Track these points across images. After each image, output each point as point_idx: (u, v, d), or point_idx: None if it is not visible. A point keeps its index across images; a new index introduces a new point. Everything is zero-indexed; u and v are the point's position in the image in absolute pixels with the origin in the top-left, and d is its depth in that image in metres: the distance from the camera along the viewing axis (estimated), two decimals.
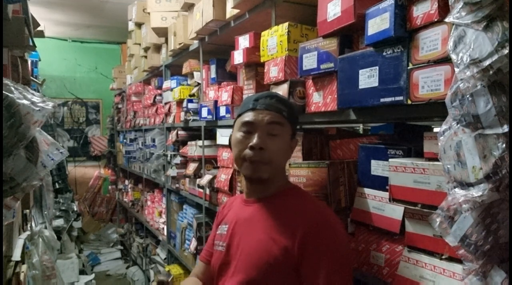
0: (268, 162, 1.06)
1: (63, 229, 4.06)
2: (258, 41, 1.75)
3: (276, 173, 1.10)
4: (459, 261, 0.90)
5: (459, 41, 0.76)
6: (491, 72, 0.70)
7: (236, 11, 1.92)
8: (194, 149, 2.67)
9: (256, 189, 1.14)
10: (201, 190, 2.54)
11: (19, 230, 1.84)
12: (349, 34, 1.29)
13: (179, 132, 3.04)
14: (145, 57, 3.90)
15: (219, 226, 1.22)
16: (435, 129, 1.27)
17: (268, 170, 1.07)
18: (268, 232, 1.04)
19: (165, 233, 3.52)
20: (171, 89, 3.11)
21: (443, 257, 0.98)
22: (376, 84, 1.09)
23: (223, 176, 2.14)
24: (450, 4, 0.80)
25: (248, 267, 1.03)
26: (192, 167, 2.70)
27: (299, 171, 1.38)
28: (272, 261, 0.99)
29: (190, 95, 2.80)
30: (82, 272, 4.25)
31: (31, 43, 1.89)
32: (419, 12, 0.97)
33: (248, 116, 1.09)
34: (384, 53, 1.06)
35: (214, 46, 2.51)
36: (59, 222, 4.05)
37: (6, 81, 1.17)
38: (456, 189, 0.79)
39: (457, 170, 0.78)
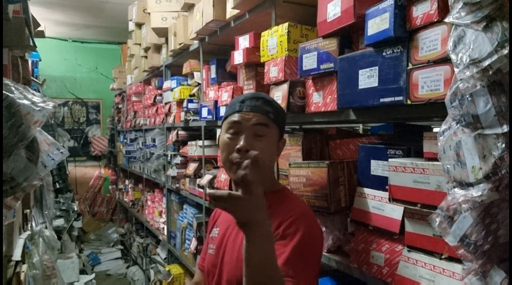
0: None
1: (64, 229, 4.07)
2: (258, 41, 1.75)
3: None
4: (458, 261, 0.90)
5: (458, 41, 0.76)
6: (490, 72, 0.70)
7: (236, 11, 1.93)
8: (194, 149, 2.67)
9: None
10: (201, 190, 2.54)
11: (20, 230, 1.84)
12: (349, 34, 1.29)
13: (179, 132, 3.04)
14: (145, 57, 3.90)
15: (212, 230, 1.23)
16: (435, 129, 1.27)
17: None
18: None
19: (165, 233, 3.53)
20: (171, 89, 3.11)
21: (443, 257, 0.98)
22: (376, 84, 1.09)
23: (223, 176, 2.14)
24: (449, 4, 0.80)
25: (232, 268, 1.04)
26: (192, 167, 2.70)
27: (299, 171, 1.38)
28: None
29: (190, 95, 2.80)
30: (82, 271, 4.25)
31: (31, 43, 1.89)
32: (418, 12, 0.97)
33: (235, 117, 1.09)
34: (384, 53, 1.07)
35: (214, 46, 2.51)
36: (60, 222, 4.05)
37: (6, 81, 1.18)
38: (456, 189, 0.79)
39: (457, 170, 0.78)
